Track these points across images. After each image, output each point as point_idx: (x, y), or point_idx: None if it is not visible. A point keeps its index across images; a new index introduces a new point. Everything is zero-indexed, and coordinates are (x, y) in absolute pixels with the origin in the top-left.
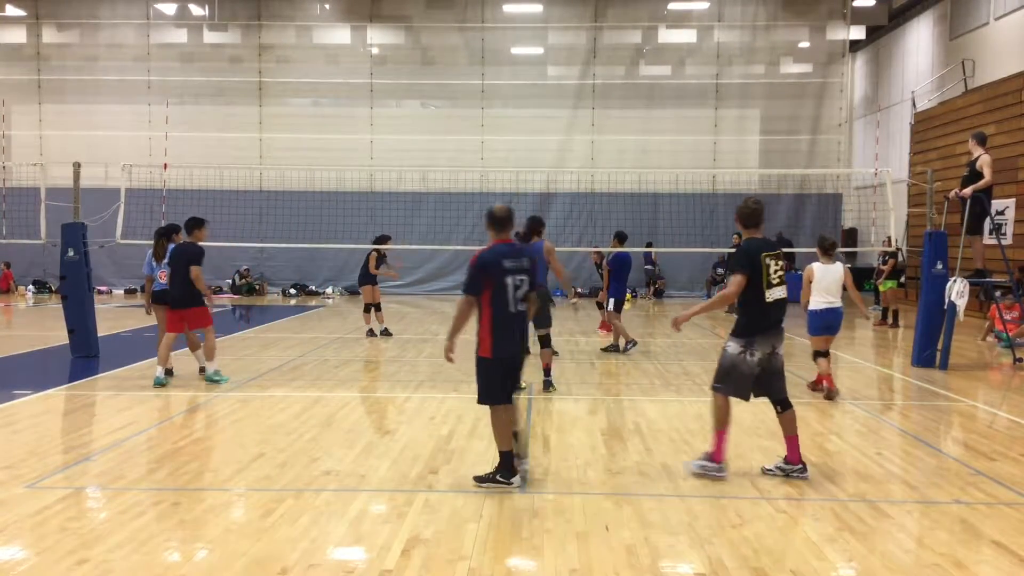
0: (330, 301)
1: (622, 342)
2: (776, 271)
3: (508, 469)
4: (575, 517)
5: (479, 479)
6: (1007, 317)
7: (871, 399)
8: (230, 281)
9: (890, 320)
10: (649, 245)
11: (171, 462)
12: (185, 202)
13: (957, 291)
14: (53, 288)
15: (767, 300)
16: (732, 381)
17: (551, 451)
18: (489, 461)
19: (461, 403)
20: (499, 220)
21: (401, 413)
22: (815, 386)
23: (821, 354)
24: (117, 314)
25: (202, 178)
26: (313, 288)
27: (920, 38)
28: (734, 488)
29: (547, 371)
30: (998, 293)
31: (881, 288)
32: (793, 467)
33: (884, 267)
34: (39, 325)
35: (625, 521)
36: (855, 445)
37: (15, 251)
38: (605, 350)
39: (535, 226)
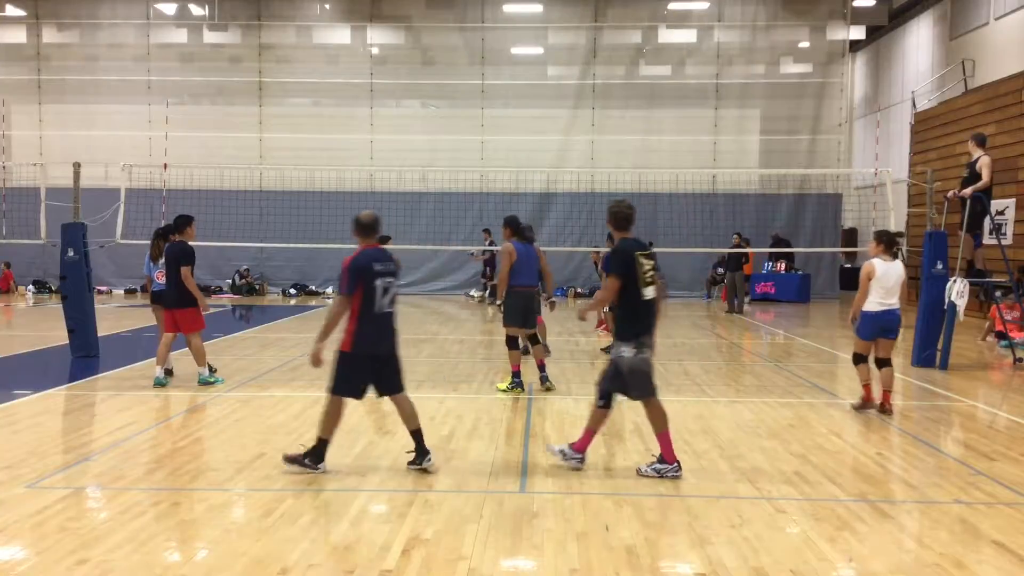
0: (330, 301)
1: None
2: (647, 271)
3: (318, 456)
4: (575, 517)
5: (289, 458)
6: (1007, 317)
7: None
8: (230, 281)
9: None
10: (649, 245)
11: (171, 462)
12: (185, 202)
13: (957, 291)
14: (53, 288)
15: (643, 299)
16: (637, 384)
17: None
18: (489, 461)
19: (461, 403)
20: (365, 226)
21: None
22: (864, 404)
23: (862, 359)
24: (117, 314)
25: (202, 178)
26: (313, 288)
27: (920, 38)
28: (734, 488)
29: (542, 367)
30: (998, 293)
31: None
32: (667, 466)
33: None
34: (39, 325)
35: (625, 521)
36: (855, 445)
37: (15, 251)
38: (605, 350)
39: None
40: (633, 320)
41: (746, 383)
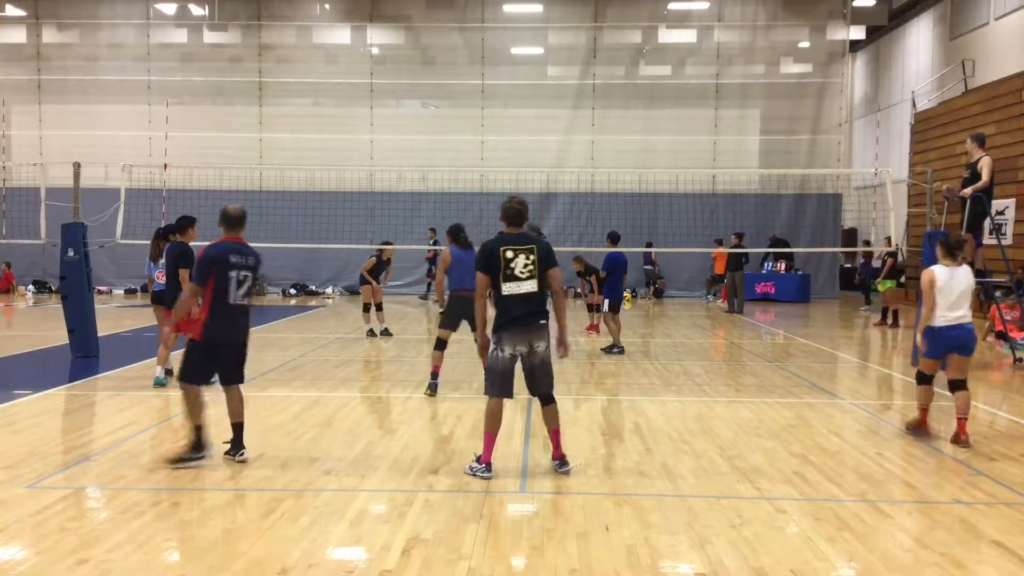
0: (330, 301)
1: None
2: (523, 264)
3: (198, 445)
4: (575, 517)
5: (172, 461)
6: (1007, 317)
7: (871, 399)
8: None
9: (889, 320)
10: (649, 245)
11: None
12: (185, 202)
13: None
14: (53, 288)
15: (503, 293)
16: (491, 380)
17: (551, 451)
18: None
19: (461, 403)
20: (230, 219)
21: (401, 413)
22: (916, 428)
23: (925, 378)
24: (117, 314)
25: (202, 178)
26: (313, 288)
27: (920, 38)
28: (734, 488)
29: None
30: (998, 293)
31: (880, 288)
32: (557, 462)
33: (879, 265)
34: (39, 325)
35: (625, 521)
36: (855, 445)
37: (15, 251)
38: (605, 350)
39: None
40: (497, 315)
41: (746, 383)
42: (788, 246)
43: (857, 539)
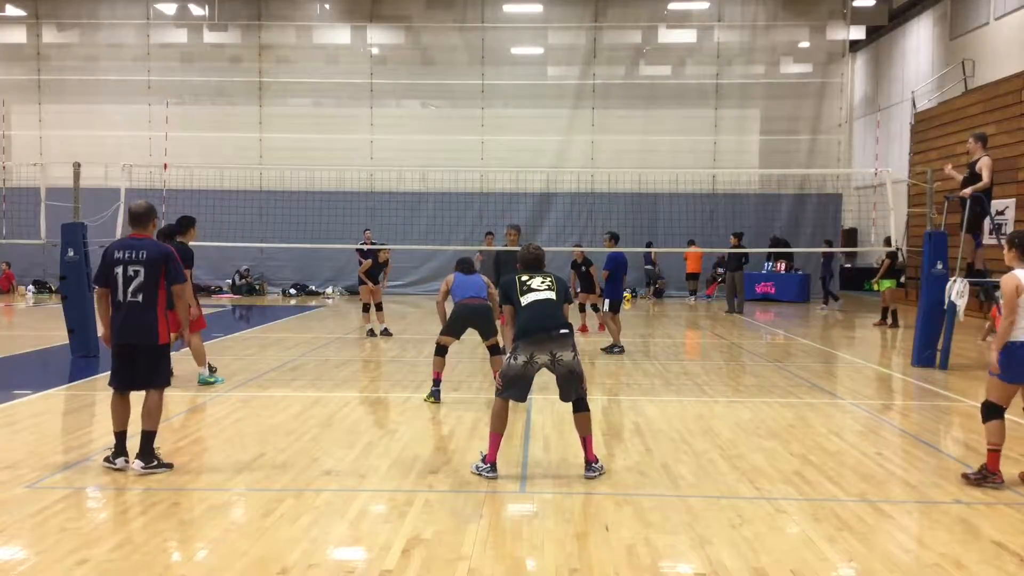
0: (330, 301)
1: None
2: (541, 281)
3: (117, 451)
4: (575, 517)
5: (144, 466)
6: None
7: (871, 399)
8: (230, 281)
9: (889, 320)
10: (649, 245)
11: (171, 462)
12: (185, 202)
13: (957, 291)
14: (53, 288)
15: (522, 304)
16: (502, 382)
17: (551, 451)
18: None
19: (461, 403)
20: (132, 215)
21: (401, 413)
22: (985, 476)
23: (997, 411)
24: None
25: (202, 178)
26: (313, 288)
27: (920, 38)
28: (734, 488)
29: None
30: (998, 293)
31: (879, 288)
32: (587, 466)
33: (879, 265)
34: (39, 325)
35: (625, 521)
36: (855, 445)
37: (15, 251)
38: (605, 350)
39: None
40: (518, 326)
41: (746, 383)
42: (788, 246)
43: (857, 539)
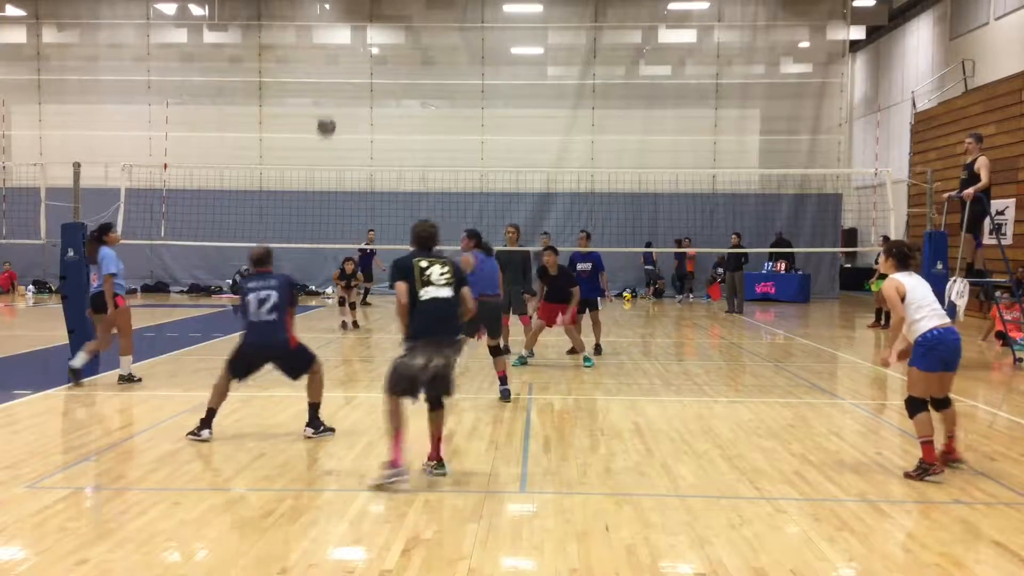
0: (330, 301)
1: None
2: (439, 273)
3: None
4: (575, 517)
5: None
6: (1007, 317)
7: (871, 399)
8: (230, 281)
9: (883, 321)
10: (648, 245)
11: (171, 462)
12: (185, 202)
13: (957, 291)
14: (53, 288)
15: (421, 298)
16: (393, 380)
17: (551, 451)
18: (489, 461)
19: (461, 403)
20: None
21: None
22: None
23: (919, 405)
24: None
25: (202, 178)
26: (313, 288)
27: (920, 38)
28: (734, 488)
29: (503, 380)
30: (998, 293)
31: (873, 288)
32: (433, 463)
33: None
34: (39, 325)
35: (625, 521)
36: (855, 445)
37: (15, 251)
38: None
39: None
40: (415, 323)
41: (746, 383)
42: (791, 246)
43: (857, 539)
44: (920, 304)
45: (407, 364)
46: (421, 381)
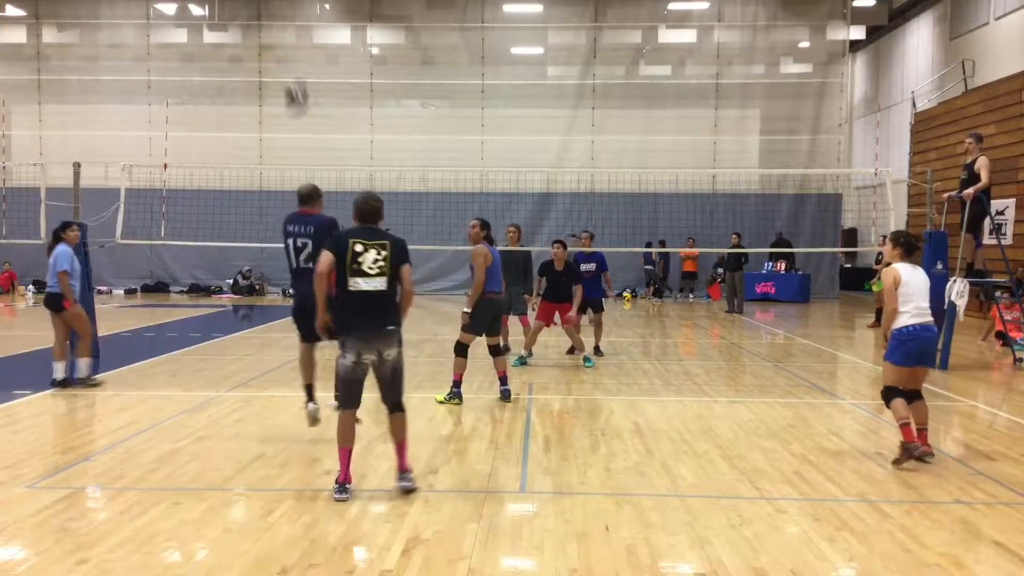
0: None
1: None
2: (373, 259)
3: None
4: (575, 517)
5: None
6: (1007, 317)
7: (871, 399)
8: (231, 281)
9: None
10: (648, 245)
11: (171, 462)
12: (185, 202)
13: (957, 291)
14: None
15: (348, 289)
16: (339, 390)
17: (551, 451)
18: (489, 461)
19: (461, 403)
20: (303, 196)
21: None
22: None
23: (894, 393)
24: (117, 314)
25: (202, 178)
26: None
27: (920, 38)
28: (734, 488)
29: (503, 380)
30: (998, 293)
31: (875, 289)
32: (400, 475)
33: (879, 267)
34: (39, 325)
35: (625, 521)
36: (855, 445)
37: (15, 251)
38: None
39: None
40: (342, 315)
41: (746, 383)
42: (791, 246)
43: (857, 539)
44: (907, 299)
45: (343, 365)
46: (363, 383)
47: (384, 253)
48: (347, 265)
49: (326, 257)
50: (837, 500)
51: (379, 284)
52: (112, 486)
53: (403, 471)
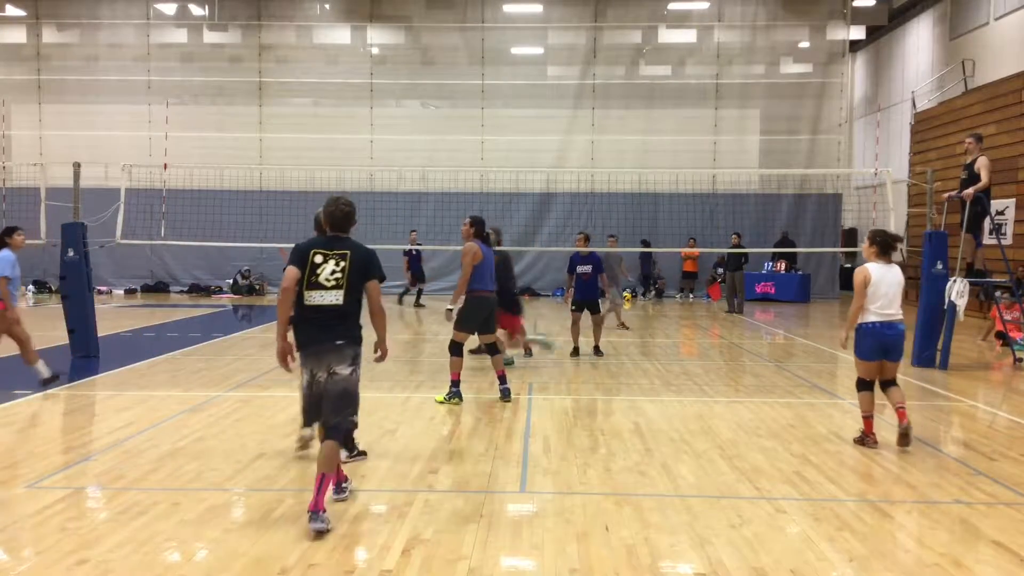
0: None
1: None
2: (331, 271)
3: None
4: (575, 517)
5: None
6: (1007, 317)
7: None
8: (231, 281)
9: None
10: (647, 245)
11: (171, 462)
12: (185, 202)
13: (957, 291)
14: (53, 288)
15: (304, 303)
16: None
17: (551, 451)
18: (489, 461)
19: (462, 403)
20: None
21: (401, 413)
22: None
23: (864, 385)
24: (117, 314)
25: (202, 178)
26: None
27: (920, 38)
28: (734, 488)
29: (502, 379)
30: (998, 293)
31: None
32: (314, 513)
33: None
34: (39, 325)
35: (625, 521)
36: (855, 445)
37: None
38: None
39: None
40: (297, 331)
41: (746, 383)
42: (795, 246)
43: (857, 539)
44: (873, 298)
45: (302, 386)
46: (318, 403)
47: (343, 264)
48: (305, 277)
49: (290, 272)
50: (837, 500)
51: (334, 298)
52: (112, 486)
53: (314, 511)
